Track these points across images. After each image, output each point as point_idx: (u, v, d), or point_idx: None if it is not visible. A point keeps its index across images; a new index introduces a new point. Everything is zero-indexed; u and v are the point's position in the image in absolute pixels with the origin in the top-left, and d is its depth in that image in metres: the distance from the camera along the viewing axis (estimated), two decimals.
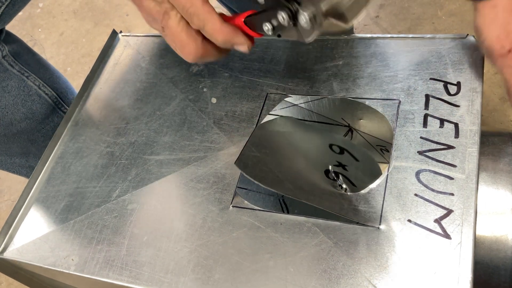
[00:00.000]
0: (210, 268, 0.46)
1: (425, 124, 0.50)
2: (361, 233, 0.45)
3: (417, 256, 0.42)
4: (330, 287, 0.43)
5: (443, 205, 0.44)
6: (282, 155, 0.53)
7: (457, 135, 0.48)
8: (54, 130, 0.63)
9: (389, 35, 0.59)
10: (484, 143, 0.51)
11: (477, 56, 0.53)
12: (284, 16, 0.43)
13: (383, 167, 0.49)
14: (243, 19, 0.47)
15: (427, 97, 0.52)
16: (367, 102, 0.54)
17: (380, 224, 0.45)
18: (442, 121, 0.50)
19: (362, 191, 0.48)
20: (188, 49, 0.48)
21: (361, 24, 1.16)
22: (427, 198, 0.45)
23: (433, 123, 0.50)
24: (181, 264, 0.48)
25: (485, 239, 0.48)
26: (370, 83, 0.55)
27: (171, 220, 0.51)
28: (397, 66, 0.55)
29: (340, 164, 0.52)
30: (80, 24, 1.45)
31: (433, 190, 0.46)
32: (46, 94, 0.76)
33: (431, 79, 0.53)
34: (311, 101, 0.56)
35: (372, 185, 0.48)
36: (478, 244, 0.47)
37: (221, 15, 0.47)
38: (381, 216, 0.45)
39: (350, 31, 0.92)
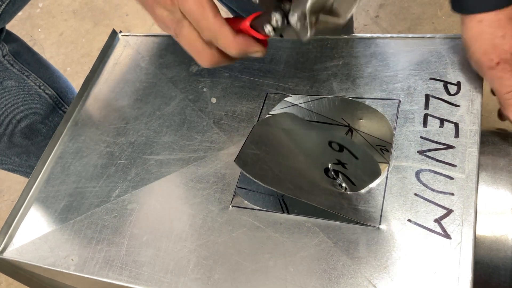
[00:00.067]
0: (210, 268, 0.46)
1: (425, 123, 0.50)
2: (361, 233, 0.45)
3: (417, 256, 0.42)
4: (330, 287, 0.43)
5: (443, 204, 0.44)
6: (282, 153, 0.53)
7: (457, 134, 0.48)
8: (54, 130, 0.63)
9: (389, 35, 0.59)
10: (484, 142, 0.51)
11: None
12: (277, 17, 0.43)
13: (383, 166, 0.49)
14: (248, 23, 0.47)
15: (427, 96, 0.52)
16: (367, 102, 0.54)
17: (380, 224, 0.45)
18: (442, 121, 0.50)
19: (362, 191, 0.48)
20: (203, 56, 0.48)
21: (361, 24, 1.16)
22: (427, 197, 0.45)
23: (433, 123, 0.50)
24: (181, 264, 0.48)
25: (485, 239, 0.48)
26: (370, 83, 0.55)
27: (171, 220, 0.51)
28: (397, 66, 0.55)
29: (339, 162, 0.52)
30: (79, 24, 1.45)
31: (433, 189, 0.46)
32: (46, 93, 0.76)
33: (431, 78, 0.53)
34: (311, 101, 0.56)
35: (372, 185, 0.47)
36: (478, 244, 0.47)
37: (226, 19, 0.47)
38: (381, 215, 0.45)
39: (350, 31, 0.92)
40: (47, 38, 1.45)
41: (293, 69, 0.59)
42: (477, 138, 0.47)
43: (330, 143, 0.54)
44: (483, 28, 0.47)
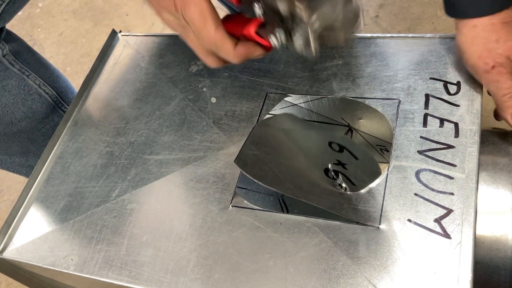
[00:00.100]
0: (210, 268, 0.46)
1: (425, 123, 0.50)
2: (361, 233, 0.45)
3: (417, 256, 0.42)
4: (330, 287, 0.43)
5: (443, 204, 0.44)
6: (282, 153, 0.53)
7: (457, 134, 0.48)
8: (54, 129, 0.63)
9: (389, 35, 0.59)
10: (484, 142, 0.51)
11: None
12: (282, 36, 0.45)
13: (383, 166, 0.49)
14: (254, 31, 0.47)
15: (427, 96, 0.52)
16: (367, 102, 0.54)
17: (380, 224, 0.45)
18: (442, 121, 0.49)
19: (362, 191, 0.48)
20: (207, 60, 0.51)
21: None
22: (427, 197, 0.45)
23: (433, 123, 0.50)
24: (180, 264, 0.47)
25: (485, 239, 0.47)
26: (370, 82, 0.55)
27: (171, 220, 0.51)
28: (397, 65, 0.55)
29: (339, 163, 0.52)
30: (79, 24, 1.45)
31: (433, 189, 0.46)
32: (46, 93, 0.76)
33: (431, 78, 0.53)
34: (310, 100, 0.56)
35: (372, 185, 0.47)
36: (478, 244, 0.47)
37: (227, 25, 0.47)
38: (381, 215, 0.45)
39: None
40: (47, 38, 1.45)
41: (293, 69, 0.59)
42: (477, 138, 0.47)
43: (330, 144, 0.54)
44: (478, 32, 0.48)
